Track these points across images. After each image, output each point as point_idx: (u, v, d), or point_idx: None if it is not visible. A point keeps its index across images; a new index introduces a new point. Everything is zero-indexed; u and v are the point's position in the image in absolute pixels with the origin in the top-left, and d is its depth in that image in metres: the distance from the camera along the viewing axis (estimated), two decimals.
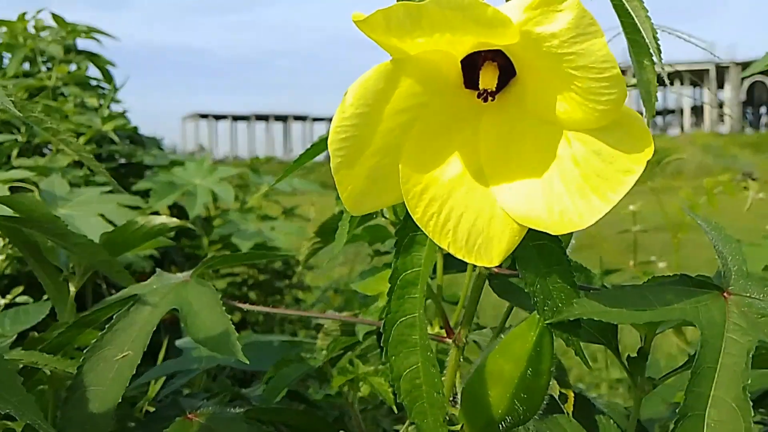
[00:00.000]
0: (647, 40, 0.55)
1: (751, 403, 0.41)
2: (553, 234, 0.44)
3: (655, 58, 0.58)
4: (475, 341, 0.68)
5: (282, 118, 39.81)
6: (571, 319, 0.48)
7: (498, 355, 0.49)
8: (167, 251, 2.16)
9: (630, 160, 0.42)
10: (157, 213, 2.25)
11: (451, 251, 0.45)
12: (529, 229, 0.46)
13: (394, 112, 0.45)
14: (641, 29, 0.56)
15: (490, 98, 0.46)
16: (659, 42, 0.59)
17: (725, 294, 0.50)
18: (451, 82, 0.48)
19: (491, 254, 0.46)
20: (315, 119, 37.73)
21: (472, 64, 0.48)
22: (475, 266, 0.58)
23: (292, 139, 39.01)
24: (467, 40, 0.42)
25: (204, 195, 2.11)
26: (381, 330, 0.49)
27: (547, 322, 0.48)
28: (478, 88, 0.46)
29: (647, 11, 0.58)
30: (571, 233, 0.74)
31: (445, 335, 0.62)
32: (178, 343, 0.97)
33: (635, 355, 0.60)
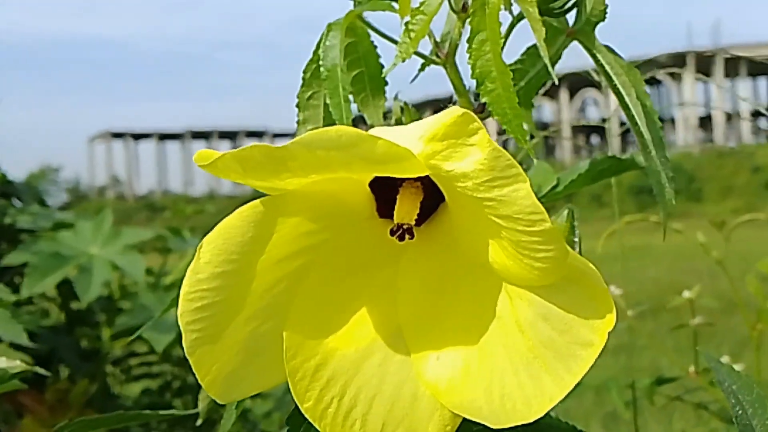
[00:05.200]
0: (645, 137, 0.58)
1: None
2: (494, 427, 0.46)
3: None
4: None
5: (230, 135, 39.86)
6: None
7: None
8: (55, 348, 2.17)
9: (588, 329, 0.44)
10: (44, 296, 2.27)
11: None
12: None
13: (275, 261, 0.47)
14: (638, 122, 0.59)
15: (408, 236, 0.48)
16: (663, 132, 0.62)
17: None
18: (358, 211, 0.50)
19: None
20: (276, 135, 37.70)
21: (387, 184, 0.50)
22: None
23: None
24: (363, 173, 0.45)
25: (103, 270, 2.13)
26: None
27: None
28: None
29: (647, 96, 0.61)
30: None
31: None
32: None
33: None
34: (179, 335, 1.50)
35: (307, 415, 0.47)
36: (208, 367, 0.46)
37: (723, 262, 1.44)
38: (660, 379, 1.38)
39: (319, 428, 0.47)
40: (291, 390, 0.47)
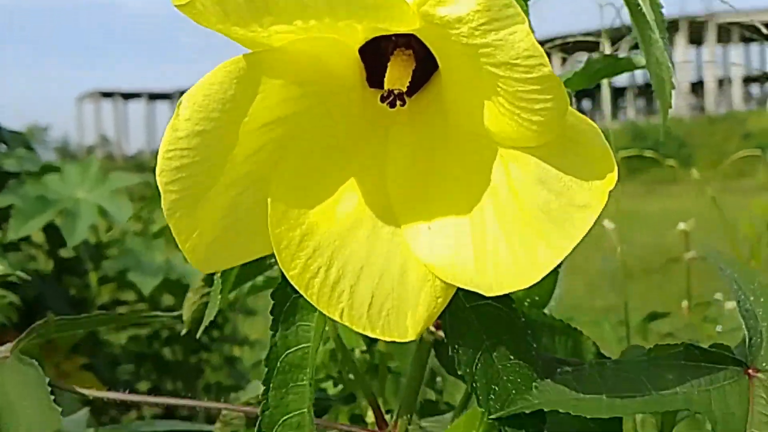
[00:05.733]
0: (648, 18, 0.56)
1: None
2: (487, 294, 0.44)
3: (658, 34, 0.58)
4: None
5: None
6: (528, 411, 0.48)
7: None
8: (41, 294, 2.15)
9: (587, 190, 0.42)
10: (27, 239, 2.24)
11: (346, 322, 0.45)
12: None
13: (258, 125, 0.45)
14: (640, 2, 0.57)
15: (399, 102, 0.46)
16: (663, 11, 0.59)
17: (750, 371, 0.50)
18: (346, 79, 0.48)
19: (404, 324, 0.46)
20: None
21: (378, 53, 0.48)
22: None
23: None
24: (352, 26, 0.42)
25: (89, 214, 2.11)
26: None
27: (492, 417, 0.48)
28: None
29: None
30: (556, 274, 0.74)
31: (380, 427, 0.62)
32: None
33: None
34: (166, 280, 1.49)
35: (293, 283, 0.45)
36: (188, 232, 0.44)
37: (716, 200, 1.43)
38: (652, 315, 1.37)
39: (306, 297, 0.45)
40: (277, 258, 0.45)
